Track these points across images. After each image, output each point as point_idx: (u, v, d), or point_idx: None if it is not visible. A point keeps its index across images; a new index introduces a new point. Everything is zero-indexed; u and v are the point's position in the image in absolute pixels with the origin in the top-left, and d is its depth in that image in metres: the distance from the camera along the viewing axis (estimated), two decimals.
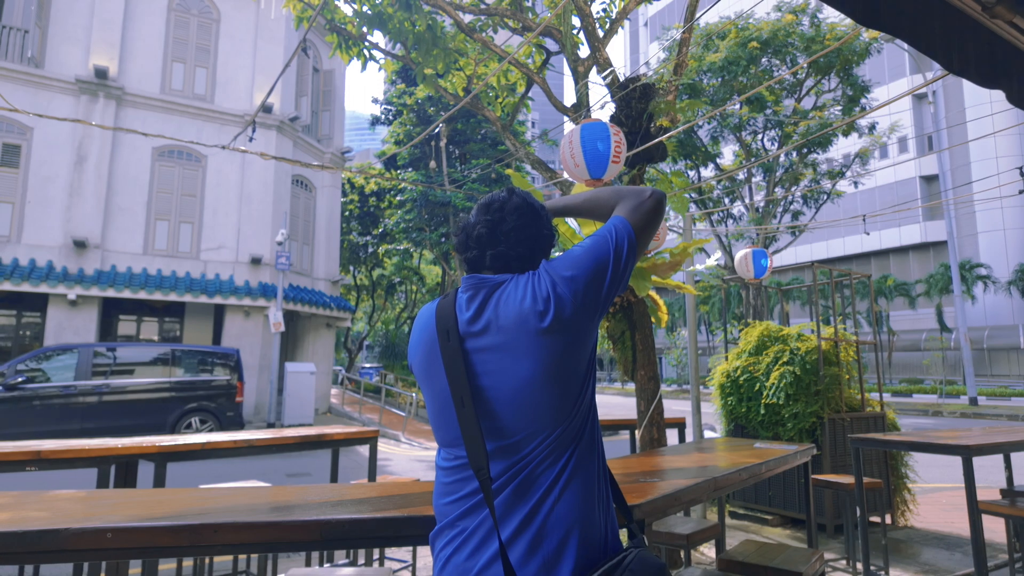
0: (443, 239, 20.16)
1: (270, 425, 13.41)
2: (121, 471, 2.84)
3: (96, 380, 9.68)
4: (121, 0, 14.07)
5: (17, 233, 12.79)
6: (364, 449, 9.56)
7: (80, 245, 13.00)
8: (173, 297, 13.39)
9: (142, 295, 13.07)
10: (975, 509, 3.32)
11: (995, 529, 4.70)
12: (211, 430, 10.30)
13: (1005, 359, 28.58)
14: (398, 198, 22.51)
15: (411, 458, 10.16)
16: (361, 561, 3.87)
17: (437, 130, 18.96)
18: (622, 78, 5.33)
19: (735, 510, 5.55)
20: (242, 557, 3.71)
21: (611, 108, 5.26)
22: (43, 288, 12.29)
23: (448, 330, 1.10)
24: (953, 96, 30.50)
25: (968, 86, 27.77)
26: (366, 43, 6.73)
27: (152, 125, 13.49)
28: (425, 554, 4.10)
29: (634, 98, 4.99)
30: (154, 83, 14.40)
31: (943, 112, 29.03)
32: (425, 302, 30.97)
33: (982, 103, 27.37)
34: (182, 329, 15.08)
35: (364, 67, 7.07)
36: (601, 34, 5.76)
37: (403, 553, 4.23)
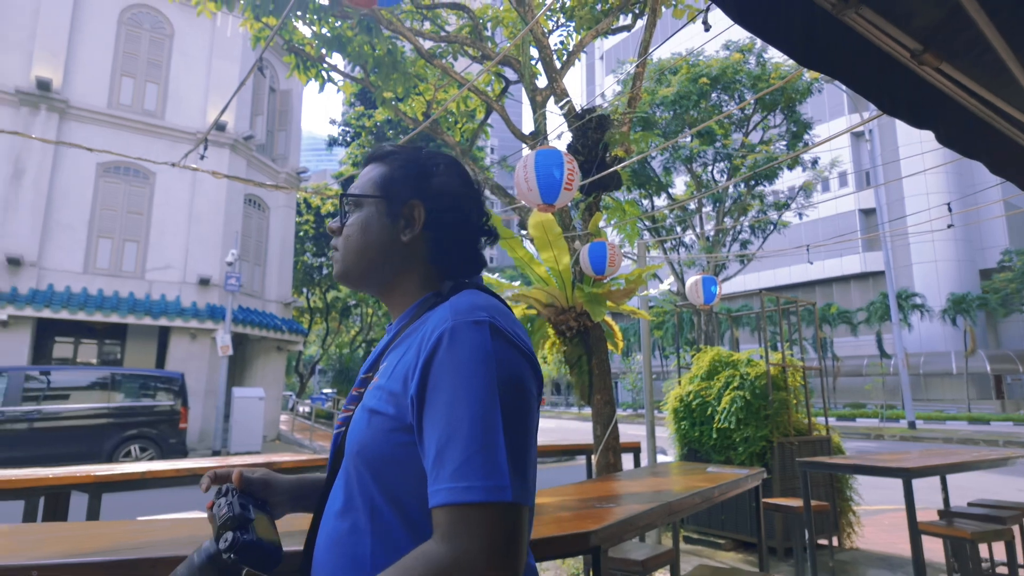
0: None
1: (215, 453, 12.85)
2: (51, 503, 2.66)
3: (27, 406, 9.10)
4: (68, 9, 13.64)
5: None
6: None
7: (14, 263, 12.31)
8: (115, 318, 12.78)
9: (81, 316, 12.42)
10: (915, 530, 3.45)
11: (935, 549, 4.89)
12: (152, 458, 9.79)
13: (939, 384, 30.06)
14: None
15: None
16: None
17: None
18: (578, 109, 5.46)
19: (689, 535, 5.60)
20: None
21: (568, 137, 5.38)
22: None
23: None
24: (888, 134, 32.43)
25: (901, 126, 29.62)
26: (324, 65, 6.71)
27: (98, 140, 12.99)
28: None
29: (590, 128, 5.12)
30: (101, 97, 13.93)
31: (879, 149, 30.79)
32: (380, 325, 30.40)
33: (913, 142, 29.19)
34: (123, 352, 14.39)
35: (322, 88, 7.03)
36: (559, 65, 5.91)
37: None
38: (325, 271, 26.40)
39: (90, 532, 1.70)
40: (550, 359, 5.45)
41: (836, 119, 34.20)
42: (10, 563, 1.29)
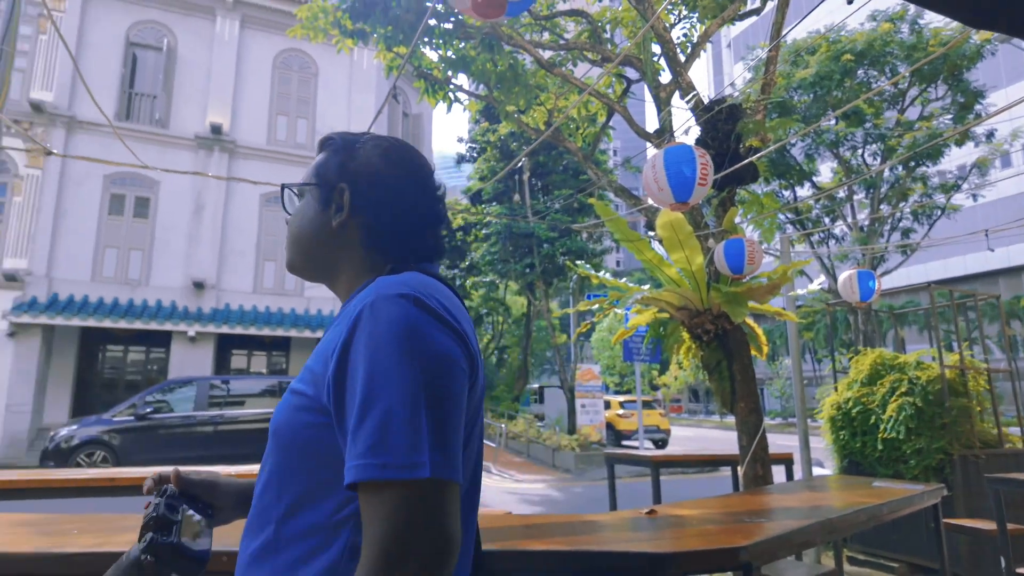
0: (528, 269, 20.35)
1: None
2: None
3: (212, 411, 10.43)
4: (233, 62, 15.57)
5: (146, 276, 14.21)
6: None
7: (199, 286, 14.23)
8: (280, 332, 14.31)
9: (252, 331, 14.07)
10: None
11: None
12: None
13: None
14: (483, 232, 23.04)
15: (502, 490, 10.13)
16: None
17: (520, 164, 19.35)
18: (706, 100, 5.22)
19: (854, 555, 5.08)
20: None
21: (697, 132, 5.16)
22: (167, 326, 13.53)
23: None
24: None
25: None
26: (451, 86, 7.02)
27: (259, 174, 14.66)
28: None
29: (720, 119, 4.87)
30: (261, 135, 15.72)
31: None
32: (511, 332, 30.99)
33: None
34: (288, 362, 16.03)
35: (449, 108, 7.36)
36: (683, 59, 5.69)
37: None
38: (459, 282, 27.57)
39: None
40: (686, 364, 5.24)
41: (1016, 83, 29.60)
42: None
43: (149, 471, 2.94)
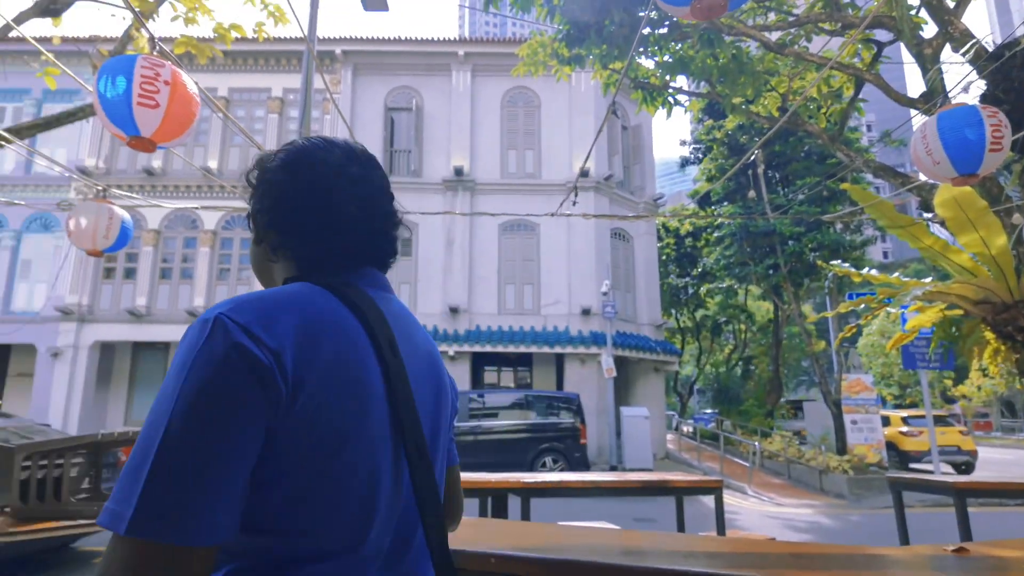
0: (771, 271, 18.67)
1: (612, 468, 13.97)
2: (497, 502, 3.28)
3: (472, 422, 11.57)
4: (468, 110, 17.37)
5: (413, 306, 16.46)
6: (707, 499, 9.17)
7: (454, 311, 16.02)
8: (523, 349, 15.36)
9: (500, 348, 15.34)
10: None
11: None
12: (562, 469, 11.23)
13: None
14: (715, 235, 21.84)
15: (761, 513, 9.33)
16: None
17: (753, 158, 17.97)
18: (990, 48, 4.26)
19: None
20: None
21: (980, 88, 4.23)
22: None
23: (390, 339, 0.81)
24: None
25: None
26: (669, 90, 6.86)
27: (496, 206, 16.03)
28: None
29: (1015, 67, 3.92)
30: (495, 171, 17.20)
31: None
32: (756, 341, 28.73)
33: None
34: (531, 377, 17.08)
35: (669, 114, 7.19)
36: (952, 4, 4.74)
37: None
38: (691, 291, 26.52)
39: (526, 531, 2.02)
40: (993, 370, 4.25)
41: None
42: (477, 550, 1.63)
43: None
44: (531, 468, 11.25)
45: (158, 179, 16.66)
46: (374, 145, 16.85)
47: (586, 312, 16.00)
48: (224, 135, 17.32)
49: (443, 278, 16.44)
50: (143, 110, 2.69)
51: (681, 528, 3.79)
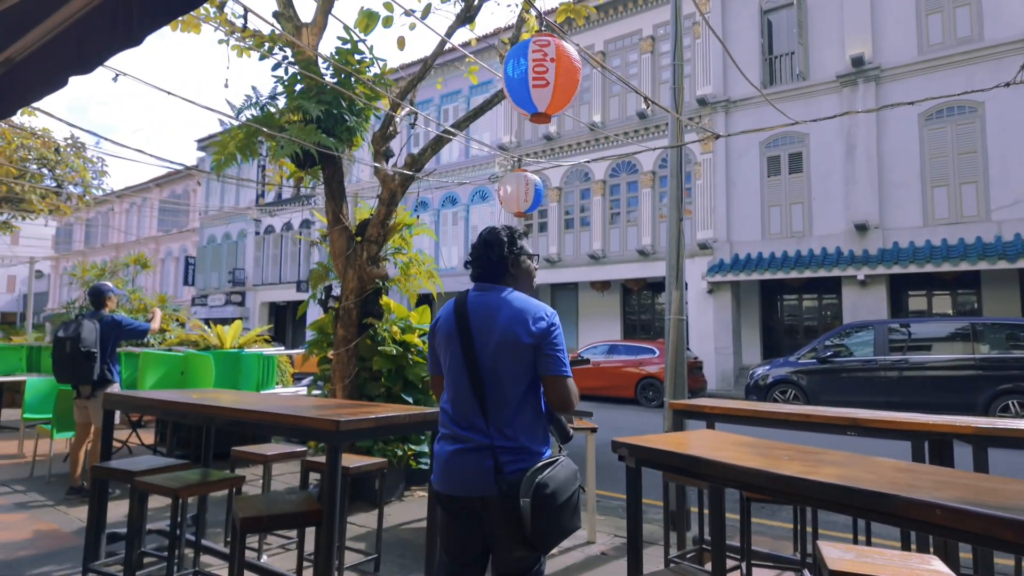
0: None
1: None
2: (935, 448, 2.78)
3: (894, 355, 9.95)
4: None
5: (809, 227, 14.84)
6: None
7: (861, 228, 13.82)
8: (963, 267, 12.28)
9: (928, 268, 12.62)
10: None
11: None
12: None
13: None
14: None
15: None
16: None
17: None
18: None
19: None
20: None
21: None
22: (835, 272, 13.74)
23: (464, 317, 1.94)
24: None
25: None
26: None
27: (912, 92, 12.92)
28: None
29: None
30: (910, 49, 13.82)
31: None
32: None
33: None
34: (979, 301, 13.58)
35: None
36: None
37: None
38: None
39: (982, 484, 1.66)
40: None
41: None
42: (916, 497, 1.43)
43: (836, 412, 3.07)
44: (985, 412, 9.10)
45: (555, 142, 18.97)
46: (750, 60, 15.50)
47: None
48: (604, 87, 18.50)
49: (844, 191, 14.31)
50: (538, 90, 3.09)
51: None
